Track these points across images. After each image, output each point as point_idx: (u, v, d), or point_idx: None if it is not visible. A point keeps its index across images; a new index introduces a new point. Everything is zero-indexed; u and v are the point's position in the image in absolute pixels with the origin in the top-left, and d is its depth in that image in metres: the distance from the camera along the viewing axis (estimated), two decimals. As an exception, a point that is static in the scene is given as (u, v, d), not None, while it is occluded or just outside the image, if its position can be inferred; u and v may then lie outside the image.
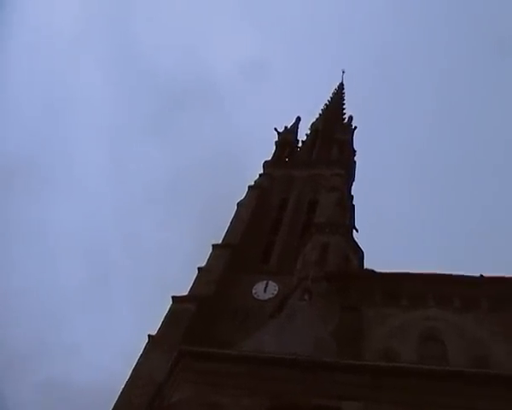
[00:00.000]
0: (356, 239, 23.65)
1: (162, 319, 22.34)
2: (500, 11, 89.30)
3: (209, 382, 13.16)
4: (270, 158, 35.06)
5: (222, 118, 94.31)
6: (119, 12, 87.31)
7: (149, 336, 21.44)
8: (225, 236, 27.68)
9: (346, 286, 18.06)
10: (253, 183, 32.27)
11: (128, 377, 19.75)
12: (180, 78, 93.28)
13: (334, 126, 38.35)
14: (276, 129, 37.42)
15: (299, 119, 39.69)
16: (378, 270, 19.03)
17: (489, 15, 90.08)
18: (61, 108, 70.79)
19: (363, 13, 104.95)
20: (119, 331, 57.05)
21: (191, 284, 24.70)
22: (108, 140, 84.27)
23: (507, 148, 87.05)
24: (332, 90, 45.49)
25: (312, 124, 40.83)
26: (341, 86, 45.90)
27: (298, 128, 39.17)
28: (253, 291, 24.54)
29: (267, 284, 24.67)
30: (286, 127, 37.96)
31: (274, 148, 36.16)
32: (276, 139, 36.82)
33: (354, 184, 36.92)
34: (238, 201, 30.47)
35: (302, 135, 39.46)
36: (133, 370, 20.09)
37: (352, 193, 35.91)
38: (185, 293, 24.09)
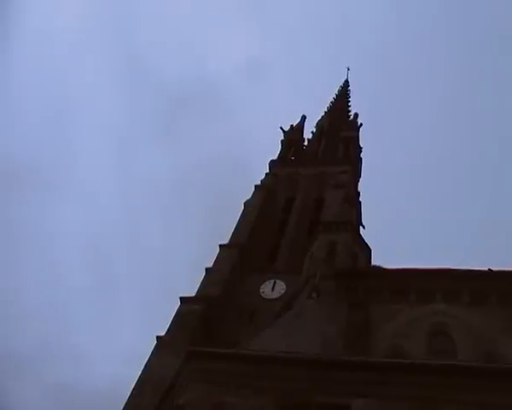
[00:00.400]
0: (363, 236, 23.63)
1: (170, 321, 22.34)
2: (502, 10, 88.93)
3: (218, 382, 13.21)
4: (276, 157, 35.07)
5: (227, 118, 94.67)
6: (123, 15, 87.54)
7: (158, 337, 21.47)
8: (232, 236, 27.68)
9: (354, 284, 18.00)
10: (259, 182, 32.31)
11: (137, 379, 19.77)
12: (183, 79, 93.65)
13: (339, 124, 38.31)
14: (281, 128, 37.45)
15: (304, 117, 39.70)
16: (385, 266, 18.98)
17: (491, 14, 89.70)
18: (64, 110, 70.83)
19: (366, 11, 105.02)
20: (127, 333, 56.55)
21: (198, 285, 24.73)
22: (113, 142, 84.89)
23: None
24: (337, 88, 45.56)
25: (318, 122, 40.86)
26: (346, 84, 45.89)
27: (303, 126, 39.17)
28: (261, 291, 24.53)
29: (275, 284, 24.65)
30: (291, 126, 37.93)
31: (280, 147, 36.15)
32: (282, 138, 36.80)
33: (360, 180, 36.89)
34: (244, 200, 30.50)
35: (308, 133, 39.57)
36: (142, 371, 20.09)
37: (359, 190, 35.84)
38: (193, 294, 24.12)
